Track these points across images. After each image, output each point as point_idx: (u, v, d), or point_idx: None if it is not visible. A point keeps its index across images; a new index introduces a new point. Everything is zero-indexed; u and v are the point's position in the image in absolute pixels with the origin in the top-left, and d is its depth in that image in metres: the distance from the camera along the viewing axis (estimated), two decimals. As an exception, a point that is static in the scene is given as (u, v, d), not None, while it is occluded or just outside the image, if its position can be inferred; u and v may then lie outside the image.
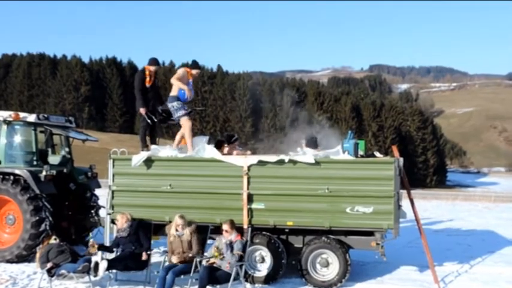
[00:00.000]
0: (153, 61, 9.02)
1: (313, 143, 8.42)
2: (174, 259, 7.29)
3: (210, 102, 73.23)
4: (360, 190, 7.53)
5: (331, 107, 75.33)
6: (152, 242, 8.02)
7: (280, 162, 7.80)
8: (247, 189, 7.88)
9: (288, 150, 8.35)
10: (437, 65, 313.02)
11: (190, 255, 7.31)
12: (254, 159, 7.92)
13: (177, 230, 7.48)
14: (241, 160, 7.95)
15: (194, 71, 8.77)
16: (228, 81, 77.07)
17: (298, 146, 8.42)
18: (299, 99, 75.66)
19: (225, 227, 7.32)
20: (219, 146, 8.52)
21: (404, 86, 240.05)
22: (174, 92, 8.48)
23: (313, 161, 7.61)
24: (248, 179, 7.88)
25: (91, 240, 7.68)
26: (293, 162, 7.76)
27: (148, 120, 8.83)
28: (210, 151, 8.19)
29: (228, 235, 7.27)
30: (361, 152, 8.09)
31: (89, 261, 7.26)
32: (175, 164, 8.28)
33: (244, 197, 7.88)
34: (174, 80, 8.48)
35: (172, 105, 8.47)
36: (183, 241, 7.40)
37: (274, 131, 66.88)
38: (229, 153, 8.45)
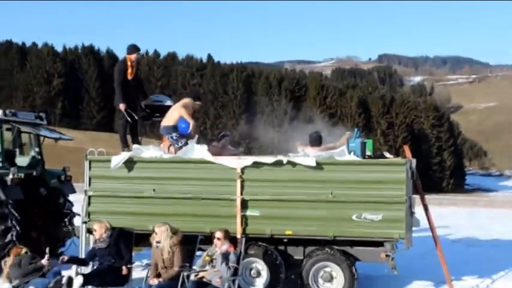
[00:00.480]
0: (133, 48, 9.01)
1: (317, 140, 8.48)
2: (151, 280, 7.19)
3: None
4: (367, 195, 7.56)
5: (335, 101, 75.54)
6: (134, 254, 8.00)
7: (278, 163, 7.82)
8: (241, 194, 7.90)
9: (286, 151, 8.38)
10: (454, 54, 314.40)
11: (175, 269, 7.25)
12: (248, 160, 7.94)
13: (156, 241, 7.43)
14: (234, 161, 7.97)
15: (198, 103, 8.91)
16: (220, 73, 77.08)
17: (298, 147, 8.46)
18: (299, 93, 75.79)
19: (218, 234, 7.35)
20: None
21: (417, 79, 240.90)
22: (171, 122, 8.49)
23: (315, 164, 7.65)
24: (242, 182, 7.90)
25: (47, 255, 7.59)
26: (292, 164, 7.78)
27: (128, 118, 8.84)
28: (199, 151, 8.19)
29: (220, 244, 7.29)
30: (368, 153, 8.13)
31: (61, 275, 7.22)
32: (159, 166, 8.29)
33: (238, 203, 7.89)
34: (179, 108, 8.48)
35: (171, 136, 8.50)
36: (163, 254, 7.34)
37: (271, 129, 67.04)
38: (220, 153, 8.47)
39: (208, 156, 8.09)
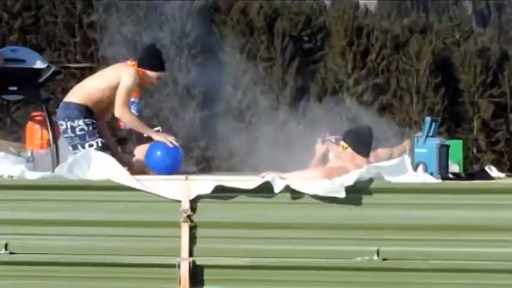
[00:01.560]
0: None
1: (366, 144, 8.60)
2: None
3: (107, 52, 72.99)
4: (453, 255, 7.69)
5: (387, 61, 75.88)
6: None
7: (266, 191, 7.90)
8: (190, 254, 7.99)
9: (285, 165, 8.50)
10: None
11: None
12: (206, 184, 8.01)
13: None
14: (177, 187, 8.05)
15: (154, 74, 9.25)
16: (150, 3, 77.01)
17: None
18: (312, 43, 75.97)
19: None
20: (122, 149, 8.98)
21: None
22: (83, 99, 8.89)
23: (343, 194, 7.71)
24: (192, 230, 7.98)
25: None
26: (296, 193, 7.86)
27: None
28: (101, 165, 8.27)
29: None
30: (454, 167, 8.32)
31: None
32: (18, 195, 8.33)
33: (184, 271, 7.97)
34: (120, 69, 9.04)
35: (76, 124, 8.79)
36: None
37: (253, 118, 66.86)
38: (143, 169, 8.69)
39: (122, 177, 8.16)
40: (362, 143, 8.57)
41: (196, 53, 73.48)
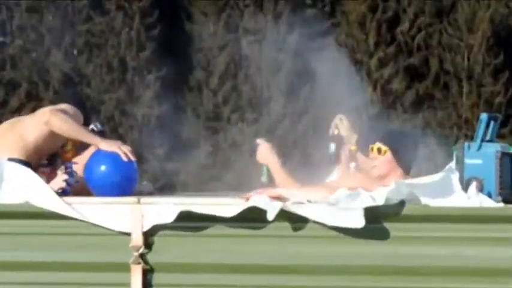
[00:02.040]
0: None
1: (408, 152, 8.53)
2: None
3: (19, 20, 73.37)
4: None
5: (426, 33, 76.13)
6: None
7: (252, 220, 7.92)
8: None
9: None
10: None
11: None
12: (165, 210, 8.02)
13: None
14: (124, 214, 8.07)
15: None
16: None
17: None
18: (319, 8, 76.43)
19: None
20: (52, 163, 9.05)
21: None
22: (23, 153, 9.01)
23: (363, 223, 7.68)
24: (146, 275, 8.00)
25: None
26: (296, 222, 7.87)
27: None
28: (15, 182, 8.28)
29: None
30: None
31: None
32: None
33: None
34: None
35: None
36: None
37: (233, 115, 67.09)
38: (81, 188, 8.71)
39: (47, 199, 8.15)
40: (408, 149, 8.52)
41: (153, 22, 73.61)
